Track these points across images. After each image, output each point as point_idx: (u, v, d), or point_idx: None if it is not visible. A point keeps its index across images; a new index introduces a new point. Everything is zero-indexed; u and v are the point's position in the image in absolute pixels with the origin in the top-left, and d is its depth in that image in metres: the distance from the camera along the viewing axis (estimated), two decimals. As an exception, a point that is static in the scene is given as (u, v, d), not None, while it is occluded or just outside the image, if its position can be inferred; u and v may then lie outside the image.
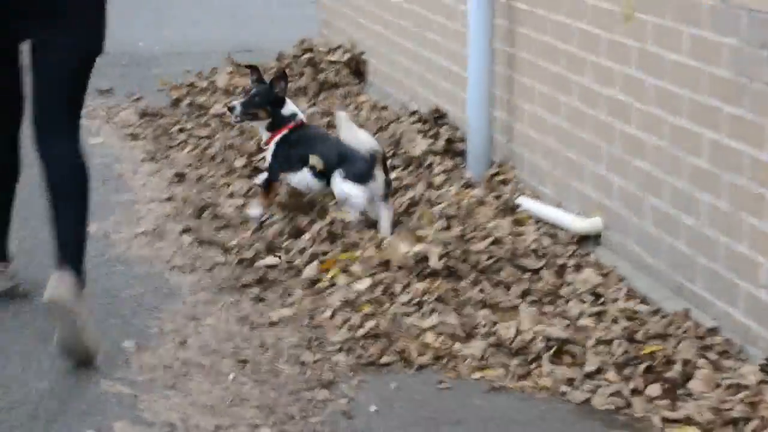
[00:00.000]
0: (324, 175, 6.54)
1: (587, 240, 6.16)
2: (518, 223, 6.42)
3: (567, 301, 5.51)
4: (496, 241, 5.99)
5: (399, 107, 8.73)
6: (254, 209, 6.78)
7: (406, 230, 6.17)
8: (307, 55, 10.17)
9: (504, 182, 7.04)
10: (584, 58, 6.18)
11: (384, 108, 9.04)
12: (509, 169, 7.12)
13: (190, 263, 6.26)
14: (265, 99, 6.74)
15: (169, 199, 7.34)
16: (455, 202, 6.63)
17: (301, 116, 6.90)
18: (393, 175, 7.02)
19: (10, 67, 5.45)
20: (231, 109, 6.79)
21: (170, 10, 14.11)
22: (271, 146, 6.77)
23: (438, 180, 7.10)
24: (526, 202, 6.62)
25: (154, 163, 8.15)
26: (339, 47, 10.11)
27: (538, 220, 6.44)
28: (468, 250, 5.85)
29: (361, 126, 7.03)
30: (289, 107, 6.82)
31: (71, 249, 5.18)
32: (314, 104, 9.17)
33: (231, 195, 7.29)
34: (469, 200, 6.66)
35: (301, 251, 6.16)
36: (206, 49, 11.69)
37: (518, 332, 5.18)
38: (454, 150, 7.62)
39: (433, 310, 5.42)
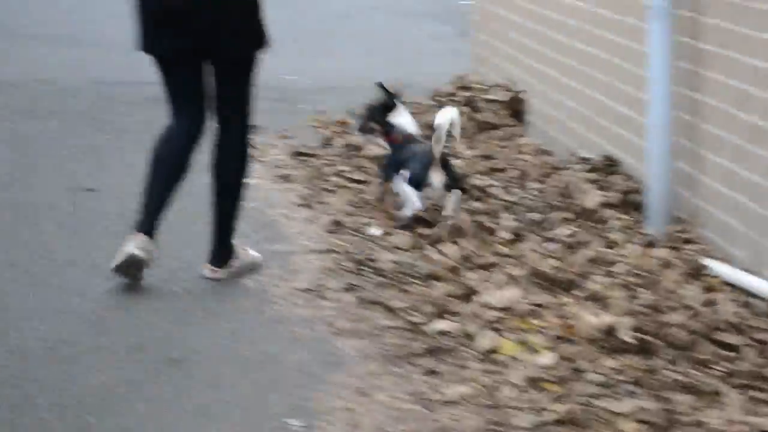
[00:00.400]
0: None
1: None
2: (709, 289, 5.84)
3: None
4: (691, 312, 5.35)
5: (564, 152, 8.20)
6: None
7: (591, 296, 5.54)
8: (463, 93, 9.60)
9: (688, 241, 6.45)
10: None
11: (547, 152, 8.50)
12: (693, 227, 6.51)
13: (355, 327, 5.71)
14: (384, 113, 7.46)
15: (328, 251, 6.78)
16: (638, 264, 6.02)
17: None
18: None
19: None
20: None
21: (316, 42, 13.58)
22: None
23: (615, 237, 6.50)
24: (714, 265, 6.01)
25: (309, 209, 7.62)
26: (496, 85, 9.51)
27: (731, 286, 5.80)
28: (661, 323, 5.25)
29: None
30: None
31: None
32: (473, 147, 8.59)
33: (392, 248, 6.71)
34: (653, 262, 6.03)
35: (474, 316, 5.57)
36: (356, 84, 11.12)
37: (728, 423, 4.55)
38: (629, 203, 7.06)
39: (628, 393, 4.81)
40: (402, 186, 6.96)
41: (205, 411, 4.82)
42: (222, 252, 6.30)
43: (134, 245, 5.94)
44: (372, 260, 6.50)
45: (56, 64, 11.83)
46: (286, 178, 8.26)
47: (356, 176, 8.09)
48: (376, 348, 5.47)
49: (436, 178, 6.83)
